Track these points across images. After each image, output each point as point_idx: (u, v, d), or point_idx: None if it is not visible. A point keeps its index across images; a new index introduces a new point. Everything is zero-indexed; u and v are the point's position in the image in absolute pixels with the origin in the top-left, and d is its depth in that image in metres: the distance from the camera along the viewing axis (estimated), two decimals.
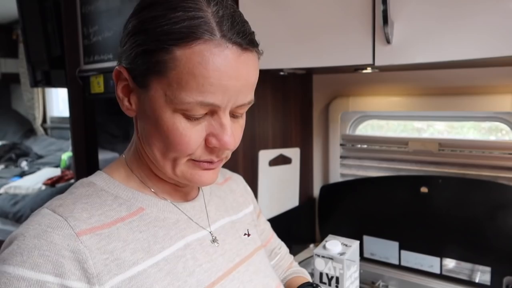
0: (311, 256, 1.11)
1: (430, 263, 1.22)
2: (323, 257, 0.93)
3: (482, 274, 1.15)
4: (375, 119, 1.45)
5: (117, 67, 0.57)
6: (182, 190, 0.65)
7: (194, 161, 0.56)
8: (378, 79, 1.34)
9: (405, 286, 1.25)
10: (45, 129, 4.45)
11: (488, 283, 1.14)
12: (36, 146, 4.05)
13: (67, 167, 3.27)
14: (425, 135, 1.44)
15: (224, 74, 0.51)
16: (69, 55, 1.49)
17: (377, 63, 0.89)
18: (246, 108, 0.58)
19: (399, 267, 1.28)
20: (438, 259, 1.21)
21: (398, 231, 1.27)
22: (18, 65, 4.23)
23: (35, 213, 0.53)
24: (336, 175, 1.46)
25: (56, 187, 2.96)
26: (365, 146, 1.42)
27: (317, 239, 1.53)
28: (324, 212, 1.43)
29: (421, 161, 1.29)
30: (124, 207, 0.57)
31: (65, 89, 1.59)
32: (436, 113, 1.29)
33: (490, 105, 1.14)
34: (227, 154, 0.60)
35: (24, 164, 3.60)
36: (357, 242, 0.96)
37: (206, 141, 0.55)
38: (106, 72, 1.38)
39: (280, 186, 1.34)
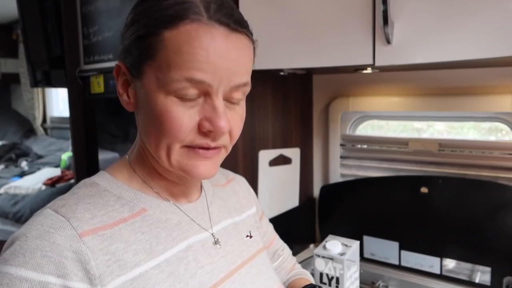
0: (311, 256, 1.11)
1: (430, 263, 1.22)
2: (323, 257, 0.93)
3: (482, 274, 1.15)
4: (375, 119, 1.45)
5: (116, 63, 0.58)
6: (185, 191, 0.65)
7: (189, 149, 0.55)
8: (378, 79, 1.34)
9: (405, 286, 1.25)
10: (45, 129, 4.45)
11: (488, 283, 1.14)
12: (36, 146, 4.05)
13: (67, 167, 3.27)
14: (425, 135, 1.44)
15: (212, 52, 0.51)
16: (69, 55, 1.49)
17: (377, 63, 0.89)
18: (242, 93, 0.56)
19: (399, 267, 1.28)
20: (438, 259, 1.21)
21: (398, 231, 1.27)
22: (18, 65, 4.23)
23: (37, 213, 0.52)
24: (336, 175, 1.46)
25: (56, 187, 2.96)
26: (365, 146, 1.42)
27: (317, 239, 1.53)
28: (324, 212, 1.43)
29: (421, 161, 1.29)
30: (127, 207, 0.57)
31: (65, 89, 1.59)
32: (436, 113, 1.29)
33: (490, 105, 1.14)
34: (225, 143, 0.57)
35: (24, 164, 3.60)
36: (357, 242, 0.96)
37: (199, 125, 0.53)
38: (106, 72, 1.38)
39: (280, 186, 1.34)
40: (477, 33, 0.78)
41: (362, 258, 1.30)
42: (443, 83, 1.23)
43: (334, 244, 0.94)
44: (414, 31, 0.84)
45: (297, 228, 1.46)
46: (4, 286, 0.45)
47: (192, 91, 0.52)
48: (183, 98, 0.52)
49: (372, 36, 0.89)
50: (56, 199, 0.55)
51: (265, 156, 1.27)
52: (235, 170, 0.88)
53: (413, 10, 0.83)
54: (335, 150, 1.45)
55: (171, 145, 0.54)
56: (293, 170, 1.39)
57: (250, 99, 1.21)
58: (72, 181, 2.92)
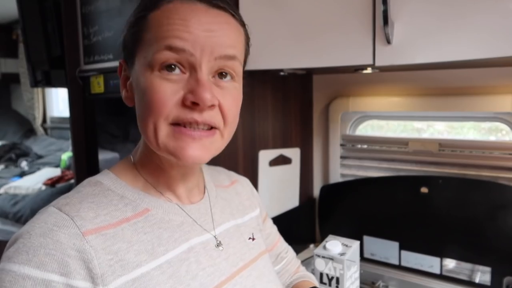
0: (311, 256, 1.11)
1: (430, 263, 1.22)
2: (323, 257, 0.93)
3: (482, 274, 1.15)
4: (375, 119, 1.45)
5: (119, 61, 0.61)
6: (188, 190, 0.64)
7: (175, 128, 0.53)
8: (378, 79, 1.34)
9: (405, 286, 1.25)
10: (45, 129, 4.45)
11: (488, 283, 1.14)
12: (36, 146, 4.05)
13: (67, 167, 3.27)
14: (425, 135, 1.44)
15: (191, 22, 0.52)
16: (69, 55, 1.49)
17: (377, 63, 0.89)
18: (231, 69, 0.56)
19: (399, 267, 1.28)
20: (438, 259, 1.21)
21: (398, 231, 1.27)
22: (18, 65, 4.22)
23: (41, 211, 0.53)
24: (336, 175, 1.46)
25: (56, 187, 2.96)
26: (365, 146, 1.42)
27: (317, 239, 1.53)
28: (324, 212, 1.43)
29: (421, 161, 1.29)
30: (130, 207, 0.57)
31: (65, 89, 1.58)
32: (436, 113, 1.29)
33: (490, 105, 1.14)
34: (215, 122, 0.55)
35: (24, 164, 3.60)
36: (357, 242, 0.96)
37: (183, 99, 0.52)
38: (106, 72, 1.38)
39: (280, 186, 1.34)
40: (477, 33, 0.78)
41: (362, 258, 1.30)
42: (443, 83, 1.23)
43: (334, 244, 0.94)
44: (414, 31, 0.84)
45: (297, 228, 1.46)
46: (7, 284, 0.45)
47: (173, 61, 0.52)
48: (167, 73, 0.53)
49: (372, 36, 0.88)
50: (61, 197, 0.55)
51: (265, 156, 1.27)
52: (235, 170, 0.88)
53: (413, 10, 0.83)
54: (335, 150, 1.45)
55: (157, 122, 0.53)
56: (293, 170, 1.39)
57: (250, 99, 1.22)
58: (72, 181, 2.91)
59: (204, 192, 0.69)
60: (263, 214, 0.83)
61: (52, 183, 3.01)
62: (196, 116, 0.53)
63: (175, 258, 0.57)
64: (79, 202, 0.54)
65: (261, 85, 1.26)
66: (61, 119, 4.30)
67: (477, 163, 1.20)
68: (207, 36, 0.53)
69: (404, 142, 1.32)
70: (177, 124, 0.53)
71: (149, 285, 0.52)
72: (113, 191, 0.58)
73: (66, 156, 3.32)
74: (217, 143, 0.57)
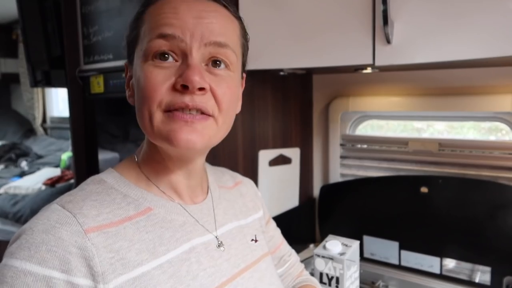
0: (311, 256, 1.11)
1: (430, 263, 1.22)
2: (323, 257, 0.93)
3: (482, 274, 1.15)
4: (375, 119, 1.45)
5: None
6: (190, 189, 0.64)
7: (169, 114, 0.54)
8: (378, 79, 1.34)
9: (405, 286, 1.25)
10: (45, 129, 4.45)
11: (488, 283, 1.14)
12: (36, 146, 4.04)
13: (67, 167, 3.27)
14: (425, 135, 1.44)
15: (181, 10, 0.54)
16: (69, 55, 1.49)
17: (377, 63, 0.89)
18: (224, 57, 0.56)
19: (399, 267, 1.28)
20: (438, 259, 1.21)
21: (398, 231, 1.27)
22: (18, 65, 4.22)
23: (45, 208, 0.53)
24: (336, 175, 1.46)
25: (56, 187, 2.96)
26: (365, 146, 1.42)
27: (317, 239, 1.53)
28: (324, 212, 1.43)
29: (421, 161, 1.29)
30: (132, 206, 0.57)
31: (65, 89, 1.59)
32: (436, 113, 1.29)
33: (490, 105, 1.14)
34: (208, 107, 0.54)
35: (24, 164, 3.60)
36: (357, 242, 0.96)
37: (174, 83, 0.53)
38: (106, 72, 1.38)
39: (280, 186, 1.34)
40: (477, 33, 0.78)
41: (362, 258, 1.30)
42: (443, 83, 1.23)
43: (334, 244, 0.94)
44: (414, 31, 0.84)
45: (297, 228, 1.46)
46: (9, 279, 0.46)
47: (165, 48, 0.54)
48: (160, 62, 0.54)
49: (372, 36, 0.89)
50: (64, 195, 0.55)
51: (265, 156, 1.27)
52: (235, 170, 0.88)
53: (413, 10, 0.83)
54: (335, 150, 1.45)
55: (151, 108, 0.54)
56: (293, 170, 1.39)
57: (250, 99, 1.22)
58: (72, 181, 2.91)
59: (207, 193, 0.69)
60: (266, 216, 0.83)
61: (52, 183, 3.01)
62: (187, 100, 0.53)
63: (176, 258, 0.57)
64: (82, 199, 0.54)
65: (261, 85, 1.26)
66: (61, 119, 4.30)
67: (477, 163, 1.20)
68: (196, 23, 0.54)
69: (404, 142, 1.32)
70: (171, 111, 0.54)
71: (150, 284, 0.52)
72: (116, 189, 0.58)
73: (66, 156, 3.32)
74: (210, 129, 0.56)
